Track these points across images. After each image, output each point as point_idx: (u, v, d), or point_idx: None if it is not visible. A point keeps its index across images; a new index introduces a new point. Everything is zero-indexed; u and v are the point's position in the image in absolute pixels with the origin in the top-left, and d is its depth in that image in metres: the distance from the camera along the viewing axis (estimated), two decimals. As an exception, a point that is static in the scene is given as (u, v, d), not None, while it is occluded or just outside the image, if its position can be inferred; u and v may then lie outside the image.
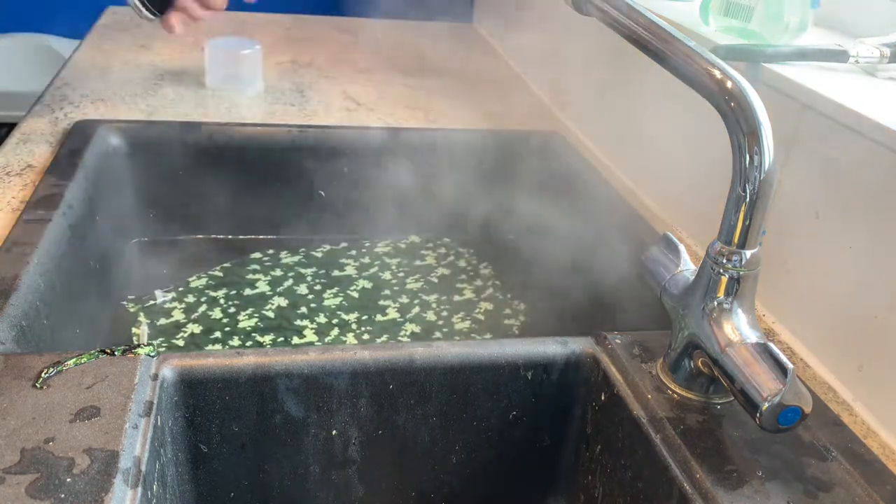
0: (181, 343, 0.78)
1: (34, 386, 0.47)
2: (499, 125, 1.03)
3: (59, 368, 0.48)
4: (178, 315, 0.82)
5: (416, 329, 0.84)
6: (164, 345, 0.78)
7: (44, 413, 0.45)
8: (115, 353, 0.51)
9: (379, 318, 0.85)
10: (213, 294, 0.86)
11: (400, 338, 0.82)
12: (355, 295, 0.89)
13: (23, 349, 0.54)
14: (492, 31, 1.50)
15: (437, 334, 0.83)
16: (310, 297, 0.88)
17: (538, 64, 1.22)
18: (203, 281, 0.88)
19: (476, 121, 1.04)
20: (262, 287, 0.89)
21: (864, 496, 0.45)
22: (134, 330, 0.79)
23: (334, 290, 0.89)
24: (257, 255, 0.95)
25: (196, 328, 0.80)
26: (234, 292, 0.87)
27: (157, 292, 0.84)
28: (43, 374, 0.48)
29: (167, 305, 0.83)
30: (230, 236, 0.97)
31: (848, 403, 0.55)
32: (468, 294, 0.91)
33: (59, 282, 0.65)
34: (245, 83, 1.06)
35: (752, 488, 0.45)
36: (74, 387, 0.47)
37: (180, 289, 0.86)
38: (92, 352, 0.50)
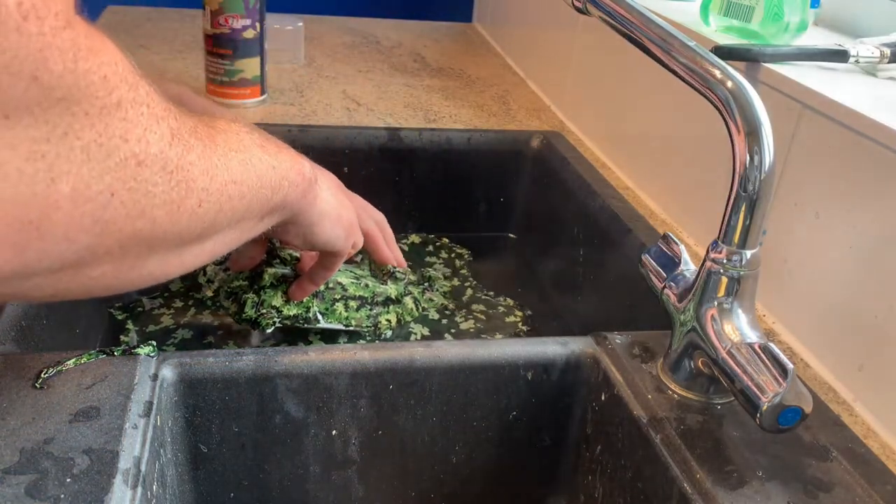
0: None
1: (34, 386, 0.47)
2: (499, 125, 1.03)
3: (58, 368, 0.48)
4: (166, 321, 0.81)
5: (426, 331, 0.83)
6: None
7: (44, 413, 0.45)
8: (115, 353, 0.51)
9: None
10: (197, 295, 0.85)
11: (412, 333, 0.82)
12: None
13: (23, 349, 0.54)
14: (492, 31, 1.50)
15: (448, 336, 0.83)
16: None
17: (538, 64, 1.22)
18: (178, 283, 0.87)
19: (476, 121, 1.04)
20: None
21: (864, 496, 0.45)
22: (122, 338, 0.78)
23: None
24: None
25: (187, 333, 0.79)
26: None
27: (144, 299, 0.83)
28: (43, 374, 0.48)
29: (154, 312, 0.82)
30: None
31: (848, 403, 0.55)
32: (471, 293, 0.91)
33: (59, 282, 0.64)
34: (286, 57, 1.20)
35: (752, 488, 0.45)
36: (74, 387, 0.47)
37: (165, 294, 0.85)
38: (92, 352, 0.50)
